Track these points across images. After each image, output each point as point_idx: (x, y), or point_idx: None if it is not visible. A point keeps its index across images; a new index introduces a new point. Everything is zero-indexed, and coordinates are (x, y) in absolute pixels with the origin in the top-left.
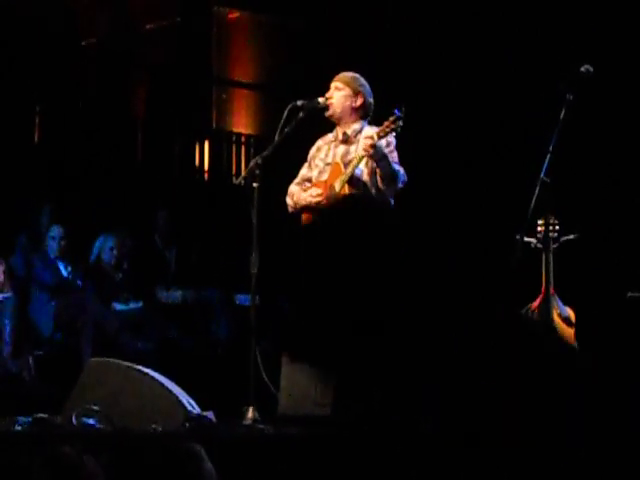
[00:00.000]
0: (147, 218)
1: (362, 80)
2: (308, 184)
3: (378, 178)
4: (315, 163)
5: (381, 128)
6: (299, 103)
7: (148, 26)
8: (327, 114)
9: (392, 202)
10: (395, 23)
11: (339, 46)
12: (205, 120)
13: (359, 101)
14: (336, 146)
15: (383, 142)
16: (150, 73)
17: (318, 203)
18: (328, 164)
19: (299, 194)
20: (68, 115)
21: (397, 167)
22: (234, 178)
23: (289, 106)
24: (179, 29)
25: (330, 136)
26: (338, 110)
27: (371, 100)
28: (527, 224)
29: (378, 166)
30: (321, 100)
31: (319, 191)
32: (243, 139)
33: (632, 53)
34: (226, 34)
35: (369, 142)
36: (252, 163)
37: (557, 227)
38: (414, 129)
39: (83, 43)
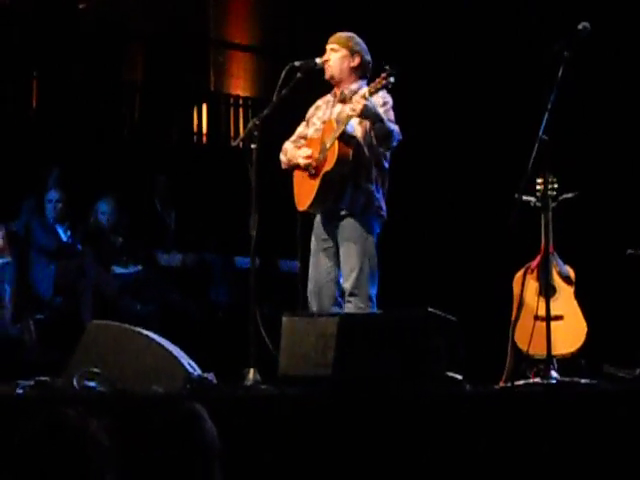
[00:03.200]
0: (146, 182)
1: (357, 38)
2: (303, 141)
3: (373, 137)
4: (313, 121)
5: (372, 84)
6: (297, 64)
7: None
8: (326, 77)
9: (387, 165)
10: None
11: (337, 6)
12: (203, 83)
13: (356, 60)
14: (333, 105)
15: (380, 100)
16: (147, 37)
17: (308, 165)
18: (324, 122)
19: (292, 151)
20: (66, 80)
21: (392, 126)
22: (232, 140)
23: (287, 67)
24: None
25: (329, 96)
26: (337, 72)
27: (368, 58)
28: (526, 183)
29: (372, 124)
30: (318, 60)
31: (309, 152)
32: (241, 101)
33: (630, 10)
34: None
35: (360, 100)
36: (250, 125)
37: (556, 185)
38: (413, 88)
39: (80, 7)
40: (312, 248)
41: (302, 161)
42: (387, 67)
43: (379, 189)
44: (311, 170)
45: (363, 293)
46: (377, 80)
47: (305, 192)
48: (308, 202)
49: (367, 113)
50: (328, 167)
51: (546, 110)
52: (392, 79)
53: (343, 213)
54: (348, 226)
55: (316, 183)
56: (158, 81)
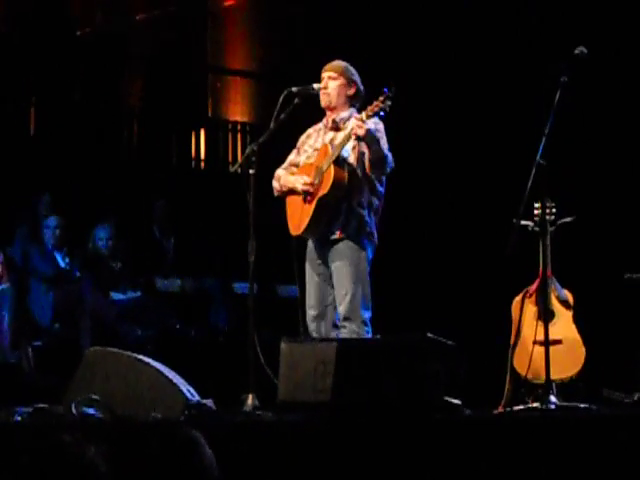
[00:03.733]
0: (144, 208)
1: (352, 68)
2: (295, 169)
3: (366, 161)
4: (304, 149)
5: (370, 107)
6: (294, 89)
7: (143, 15)
8: (323, 104)
9: (382, 190)
10: (389, 10)
11: (334, 33)
12: (201, 109)
13: (352, 89)
14: (325, 133)
15: (372, 126)
16: (145, 62)
17: (306, 191)
18: (317, 149)
19: (285, 177)
20: (64, 106)
21: (386, 152)
22: (230, 166)
23: (284, 93)
24: (174, 18)
25: (320, 124)
26: (334, 100)
27: (362, 88)
28: (524, 207)
29: (369, 149)
30: (316, 86)
31: (308, 179)
32: (239, 127)
33: (626, 35)
34: (221, 22)
35: (361, 124)
36: (248, 150)
37: (554, 210)
38: (411, 112)
39: (78, 33)
40: (308, 274)
41: (301, 186)
42: (385, 90)
43: (371, 214)
44: (307, 195)
45: (357, 317)
46: (374, 103)
47: (300, 217)
48: (303, 226)
49: (368, 137)
50: (324, 191)
51: (544, 135)
52: (389, 102)
53: (336, 237)
54: (341, 250)
55: (311, 207)
56: (156, 107)
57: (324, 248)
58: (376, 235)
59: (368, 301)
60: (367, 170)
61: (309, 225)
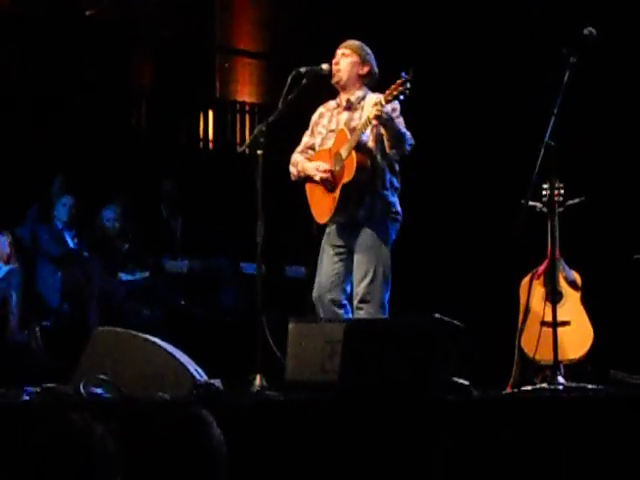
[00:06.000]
0: (152, 188)
1: (368, 49)
2: (311, 152)
3: (386, 142)
4: (318, 130)
5: (388, 92)
6: (303, 70)
7: None
8: (334, 80)
9: (397, 167)
10: None
11: (342, 14)
12: (209, 89)
13: (365, 69)
14: (339, 113)
15: (389, 107)
16: (154, 43)
17: (325, 179)
18: (332, 131)
19: (304, 163)
20: (72, 87)
21: (404, 130)
22: (238, 146)
23: (293, 73)
24: None
25: (332, 103)
26: (345, 77)
27: (376, 69)
28: (532, 188)
29: (385, 130)
30: (325, 66)
31: (326, 166)
32: (247, 108)
33: (636, 15)
34: (229, 3)
35: (378, 107)
36: (256, 131)
37: (562, 191)
38: (419, 94)
39: (87, 13)
40: (322, 255)
41: (320, 175)
42: (403, 74)
43: (394, 193)
44: (328, 183)
45: (376, 300)
46: (392, 87)
47: (325, 205)
48: (329, 214)
49: (385, 120)
50: (347, 178)
51: (552, 115)
52: (408, 86)
53: (361, 221)
54: (365, 234)
55: (335, 195)
56: (165, 87)
57: (348, 231)
58: (400, 211)
59: (388, 284)
60: (387, 150)
61: (335, 212)
